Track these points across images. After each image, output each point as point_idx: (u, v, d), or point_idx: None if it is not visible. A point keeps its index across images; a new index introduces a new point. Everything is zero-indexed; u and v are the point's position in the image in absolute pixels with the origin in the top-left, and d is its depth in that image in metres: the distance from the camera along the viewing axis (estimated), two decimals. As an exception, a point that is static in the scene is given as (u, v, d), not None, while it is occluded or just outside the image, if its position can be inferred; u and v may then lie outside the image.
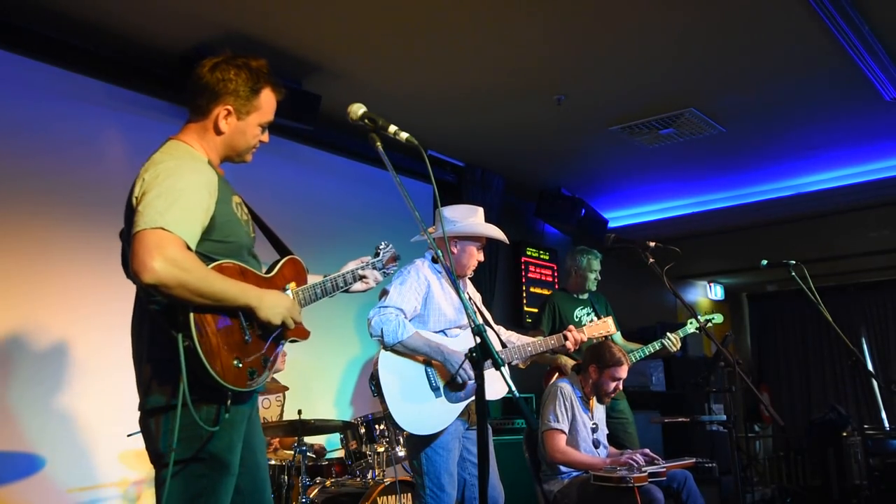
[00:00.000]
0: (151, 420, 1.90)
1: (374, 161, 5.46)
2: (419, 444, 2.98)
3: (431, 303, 3.10)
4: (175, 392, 1.79)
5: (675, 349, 4.39)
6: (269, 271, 2.10)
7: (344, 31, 4.07)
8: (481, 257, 3.28)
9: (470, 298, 3.30)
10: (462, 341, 3.12)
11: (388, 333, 2.90)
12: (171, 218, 1.77)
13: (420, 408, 2.94)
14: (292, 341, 2.10)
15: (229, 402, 1.86)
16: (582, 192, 7.01)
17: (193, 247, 1.83)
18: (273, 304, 1.93)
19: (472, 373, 2.93)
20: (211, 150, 2.05)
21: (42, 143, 3.84)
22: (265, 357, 1.95)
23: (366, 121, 2.08)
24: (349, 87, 4.65)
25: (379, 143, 2.08)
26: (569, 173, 6.63)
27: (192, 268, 1.77)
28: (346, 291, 2.38)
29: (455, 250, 3.22)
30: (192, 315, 1.78)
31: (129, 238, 1.83)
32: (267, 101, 2.08)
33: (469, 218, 3.24)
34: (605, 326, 3.49)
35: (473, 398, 2.98)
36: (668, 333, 4.39)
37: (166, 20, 3.91)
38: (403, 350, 2.95)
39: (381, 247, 2.52)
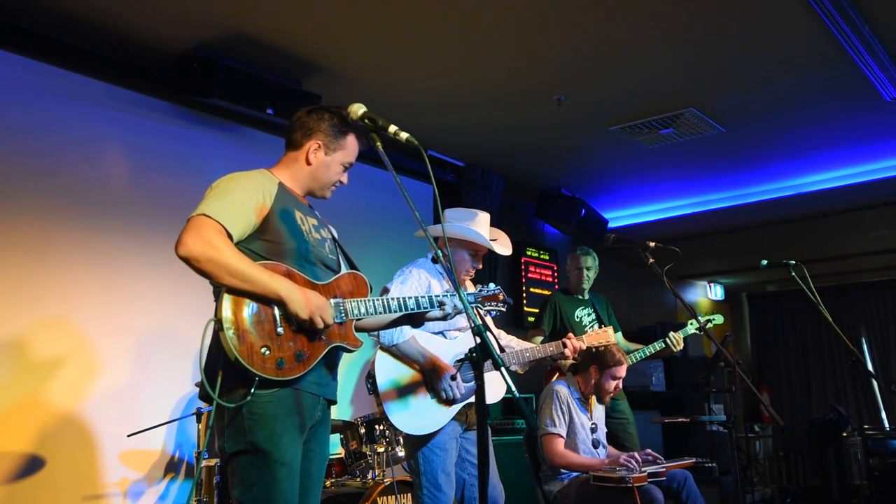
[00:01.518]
0: (215, 412, 2.07)
1: (374, 161, 5.43)
2: (416, 444, 2.98)
3: None
4: (217, 383, 1.98)
5: (677, 349, 4.38)
6: (326, 282, 2.21)
7: (344, 31, 4.07)
8: (479, 265, 3.22)
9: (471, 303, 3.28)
10: (461, 343, 3.12)
11: (385, 335, 2.90)
12: (215, 208, 2.01)
13: (416, 408, 2.94)
14: (342, 349, 2.19)
15: (255, 387, 1.96)
16: (582, 192, 7.01)
17: (235, 235, 2.02)
18: (302, 299, 2.02)
19: (456, 393, 2.96)
20: (294, 179, 2.30)
21: (42, 143, 3.84)
22: (299, 351, 2.05)
23: (366, 121, 2.09)
24: (349, 87, 4.65)
25: (379, 143, 2.09)
26: (569, 173, 6.63)
27: (223, 247, 1.95)
28: (425, 319, 2.50)
29: (446, 253, 3.18)
30: (225, 297, 1.95)
31: None
32: (352, 144, 2.34)
33: (465, 222, 3.16)
34: (605, 336, 3.50)
35: (470, 400, 3.00)
36: (671, 333, 4.38)
37: (166, 20, 3.91)
38: (398, 353, 2.95)
39: (486, 287, 2.72)
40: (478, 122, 5.38)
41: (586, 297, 4.96)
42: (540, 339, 4.72)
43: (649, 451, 3.81)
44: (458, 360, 3.04)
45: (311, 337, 2.08)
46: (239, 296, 1.97)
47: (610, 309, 5.06)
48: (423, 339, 3.01)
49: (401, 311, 2.34)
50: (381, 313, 2.29)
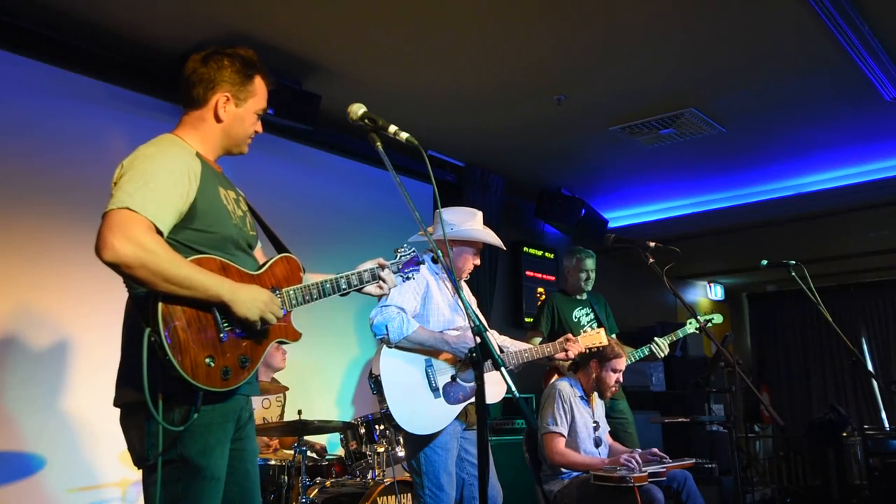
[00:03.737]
0: (128, 420, 1.88)
1: (374, 161, 5.46)
2: (418, 444, 2.98)
3: (430, 303, 3.11)
4: (145, 392, 1.74)
5: (661, 355, 4.40)
6: (259, 269, 2.04)
7: (344, 30, 4.07)
8: (477, 262, 3.29)
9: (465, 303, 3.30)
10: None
11: (393, 331, 2.90)
12: (139, 199, 1.75)
13: (419, 408, 2.94)
14: (281, 342, 2.04)
15: (200, 402, 1.80)
16: (582, 192, 7.01)
17: (164, 230, 1.80)
18: (248, 299, 1.86)
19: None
20: (206, 141, 2.04)
21: (42, 143, 3.84)
22: (244, 356, 1.88)
23: (366, 121, 2.08)
24: (349, 87, 4.65)
25: (379, 143, 2.08)
26: (569, 173, 6.63)
27: (157, 250, 1.73)
28: (360, 291, 2.29)
29: (451, 253, 3.22)
30: (160, 306, 1.74)
31: None
32: (260, 88, 2.10)
33: (467, 223, 3.24)
34: (598, 338, 3.54)
35: (472, 400, 3.00)
36: (656, 339, 4.40)
37: (166, 20, 3.91)
38: (409, 345, 2.96)
39: (400, 250, 2.49)
40: (478, 122, 5.38)
41: (585, 297, 4.96)
42: (538, 339, 4.72)
43: (655, 450, 3.83)
44: (458, 361, 3.05)
45: (255, 338, 1.92)
46: (174, 302, 1.76)
47: (608, 310, 5.06)
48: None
49: (335, 292, 2.17)
50: (317, 299, 2.12)
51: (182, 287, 1.75)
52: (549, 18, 3.97)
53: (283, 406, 4.38)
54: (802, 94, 4.96)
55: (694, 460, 4.03)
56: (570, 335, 3.44)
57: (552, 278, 7.25)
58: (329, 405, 5.15)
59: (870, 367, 9.53)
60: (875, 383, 9.33)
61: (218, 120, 2.03)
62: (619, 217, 7.66)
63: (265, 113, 2.14)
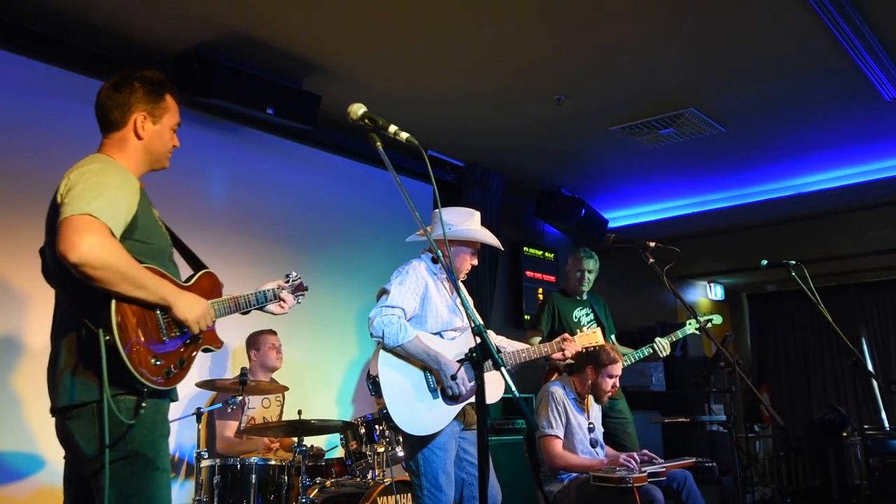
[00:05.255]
0: (72, 424, 1.94)
1: (374, 161, 5.46)
2: (416, 444, 2.98)
3: (429, 304, 3.10)
4: (95, 391, 1.86)
5: (663, 354, 4.40)
6: (186, 282, 2.18)
7: (344, 31, 4.07)
8: (475, 262, 3.29)
9: (463, 303, 3.31)
10: (459, 344, 3.13)
11: (390, 336, 2.90)
12: (98, 206, 1.86)
13: (418, 408, 2.94)
14: (206, 350, 2.18)
15: (145, 399, 1.93)
16: (582, 192, 7.01)
17: (117, 236, 1.91)
18: (189, 304, 2.01)
19: (462, 389, 2.97)
20: (131, 160, 2.13)
21: (41, 143, 3.84)
22: (181, 359, 2.03)
23: (366, 121, 2.09)
24: (349, 87, 4.65)
25: (379, 143, 2.08)
26: (569, 173, 6.63)
27: (117, 252, 1.85)
28: (262, 310, 2.49)
29: (450, 254, 3.22)
30: (113, 308, 1.85)
31: (52, 241, 1.88)
32: (172, 105, 2.23)
33: (465, 223, 3.23)
34: (594, 337, 3.54)
35: (471, 400, 3.00)
36: (658, 339, 4.39)
37: (166, 20, 3.91)
38: (403, 353, 2.96)
39: (291, 275, 2.65)
40: (478, 122, 5.38)
41: (585, 297, 4.97)
42: (538, 339, 4.72)
43: (646, 451, 3.83)
44: (458, 360, 3.04)
45: (190, 343, 2.07)
46: (125, 302, 1.89)
47: (608, 310, 5.06)
48: (424, 339, 3.02)
49: (248, 307, 2.37)
50: (234, 312, 2.30)
51: (137, 287, 1.89)
52: (549, 18, 3.97)
53: (283, 406, 4.38)
54: (802, 94, 4.96)
55: (694, 460, 4.04)
56: (566, 335, 3.43)
57: (552, 278, 7.25)
58: (329, 405, 5.15)
59: (870, 367, 9.53)
60: (875, 383, 9.33)
61: (139, 137, 2.14)
62: (619, 217, 7.66)
63: (179, 127, 2.26)
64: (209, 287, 2.24)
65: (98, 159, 2.06)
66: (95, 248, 1.79)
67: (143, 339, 1.91)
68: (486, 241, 3.25)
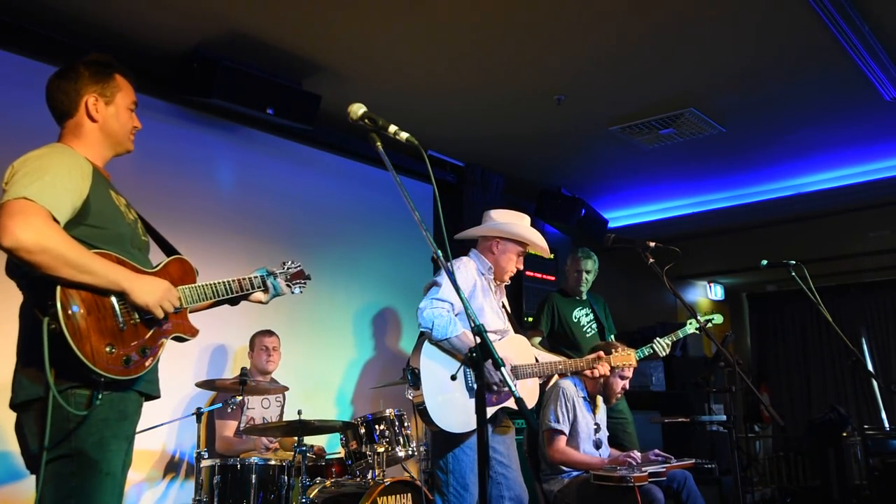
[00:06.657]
0: (24, 418, 1.87)
1: (374, 161, 5.46)
2: (448, 442, 2.98)
3: (474, 303, 3.10)
4: (44, 383, 1.76)
5: (664, 353, 4.40)
6: (153, 268, 2.09)
7: (344, 31, 4.07)
8: (521, 265, 3.29)
9: (503, 307, 3.32)
10: (501, 347, 3.09)
11: (438, 328, 2.90)
12: (35, 190, 1.80)
13: (455, 406, 2.94)
14: (178, 339, 2.08)
15: (101, 390, 1.83)
16: (582, 192, 7.01)
17: (61, 221, 1.84)
18: (146, 288, 1.92)
19: (497, 377, 2.90)
20: (90, 146, 2.08)
21: (41, 143, 3.83)
22: (144, 346, 1.93)
23: (366, 121, 2.08)
24: (349, 87, 4.65)
25: (379, 143, 2.07)
26: (569, 173, 6.63)
27: (55, 235, 1.77)
28: (246, 299, 2.40)
29: (496, 251, 3.21)
30: (58, 294, 1.76)
31: None
32: (123, 83, 2.16)
33: (515, 223, 3.24)
34: (629, 359, 3.55)
35: (504, 404, 3.03)
36: (658, 339, 4.39)
37: (167, 20, 3.91)
38: (447, 346, 2.95)
39: (287, 262, 2.59)
40: (478, 122, 5.38)
41: (584, 297, 4.97)
42: (538, 339, 4.75)
43: (657, 450, 3.84)
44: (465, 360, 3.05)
45: (154, 329, 1.97)
46: (73, 288, 1.79)
47: (607, 311, 5.06)
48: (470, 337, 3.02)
49: (227, 294, 2.27)
50: (211, 299, 2.20)
51: (82, 272, 1.79)
52: (549, 19, 3.97)
53: (283, 406, 4.38)
54: (803, 94, 4.96)
55: (694, 460, 4.04)
56: (601, 353, 3.43)
57: (552, 278, 7.25)
58: (329, 405, 5.15)
59: (870, 367, 9.52)
60: (875, 383, 9.33)
61: (93, 120, 2.08)
62: (619, 217, 7.66)
63: (136, 107, 2.19)
64: (179, 273, 2.14)
65: (47, 147, 2.01)
66: (29, 232, 1.72)
67: (94, 325, 1.81)
68: (535, 241, 3.24)
